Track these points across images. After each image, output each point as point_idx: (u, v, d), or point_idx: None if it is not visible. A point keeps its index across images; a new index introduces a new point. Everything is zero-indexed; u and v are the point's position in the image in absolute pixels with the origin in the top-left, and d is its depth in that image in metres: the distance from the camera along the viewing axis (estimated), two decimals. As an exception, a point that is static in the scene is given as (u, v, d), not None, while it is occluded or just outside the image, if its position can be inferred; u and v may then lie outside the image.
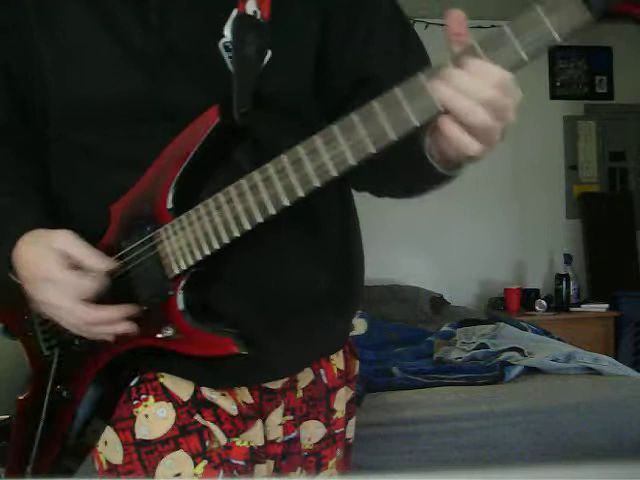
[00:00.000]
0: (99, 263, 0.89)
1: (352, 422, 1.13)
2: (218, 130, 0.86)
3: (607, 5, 0.68)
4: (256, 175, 0.83)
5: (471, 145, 0.75)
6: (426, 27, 4.08)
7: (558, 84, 4.54)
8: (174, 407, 0.93)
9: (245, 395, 0.98)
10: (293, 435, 1.03)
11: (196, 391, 0.95)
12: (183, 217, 0.88)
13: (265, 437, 1.00)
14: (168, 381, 0.94)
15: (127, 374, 0.95)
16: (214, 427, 0.94)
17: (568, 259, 4.15)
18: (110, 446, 0.94)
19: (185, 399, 0.94)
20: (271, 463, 1.01)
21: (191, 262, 0.87)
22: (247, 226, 0.84)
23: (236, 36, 0.90)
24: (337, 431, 1.09)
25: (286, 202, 0.82)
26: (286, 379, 1.02)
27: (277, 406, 1.01)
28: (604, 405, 2.24)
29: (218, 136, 0.86)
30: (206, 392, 0.95)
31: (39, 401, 0.96)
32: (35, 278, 0.90)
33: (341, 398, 1.09)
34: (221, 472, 0.93)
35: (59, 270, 0.88)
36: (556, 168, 4.50)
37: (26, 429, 0.99)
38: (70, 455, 0.97)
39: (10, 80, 0.98)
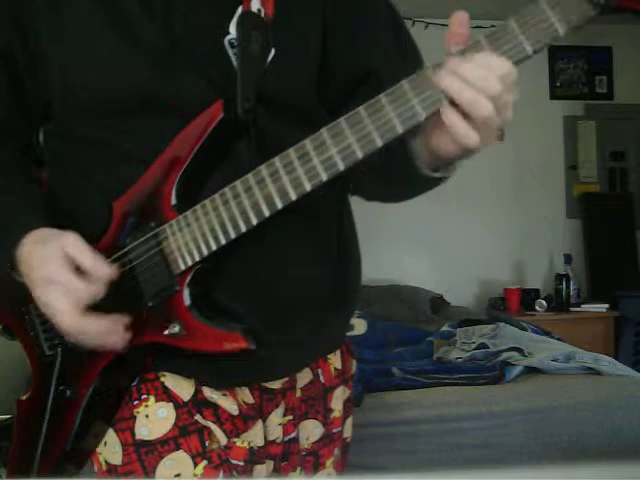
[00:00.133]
0: (104, 270, 0.88)
1: (349, 421, 1.13)
2: (222, 125, 0.86)
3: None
4: (263, 170, 0.83)
5: (472, 135, 0.76)
6: (426, 27, 4.09)
7: (558, 84, 4.54)
8: (174, 407, 0.93)
9: (246, 395, 0.98)
10: (293, 435, 1.04)
11: (197, 391, 0.95)
12: (189, 213, 0.87)
13: (265, 437, 1.00)
14: (169, 381, 0.94)
15: (131, 373, 0.94)
16: (214, 427, 0.94)
17: (568, 259, 4.15)
18: (109, 447, 0.94)
19: (186, 399, 0.94)
20: (270, 463, 1.01)
21: (197, 257, 0.87)
22: (254, 221, 0.84)
23: (241, 33, 0.90)
24: (335, 430, 1.09)
25: (293, 196, 0.82)
26: (286, 379, 1.02)
27: (277, 406, 1.01)
28: (604, 405, 2.24)
29: (222, 131, 0.86)
30: (207, 392, 0.95)
31: (42, 401, 0.95)
32: (39, 278, 0.89)
33: (338, 397, 1.09)
34: (221, 473, 0.93)
35: (64, 272, 0.87)
36: (556, 168, 4.50)
37: (29, 430, 0.98)
38: (71, 457, 0.96)
39: (14, 72, 0.97)
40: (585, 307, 4.09)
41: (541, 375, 2.42)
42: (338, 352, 1.10)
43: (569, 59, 4.54)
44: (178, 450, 0.92)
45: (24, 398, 1.00)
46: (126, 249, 0.91)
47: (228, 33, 0.91)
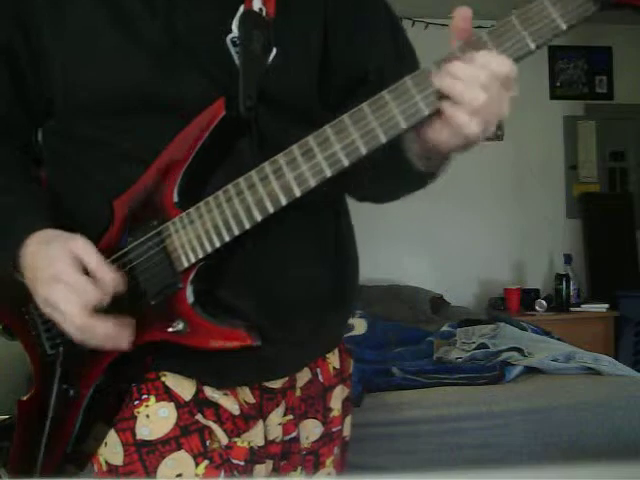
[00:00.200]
0: (111, 275, 0.87)
1: (348, 420, 1.13)
2: (224, 123, 0.86)
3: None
4: (267, 166, 0.84)
5: (472, 125, 0.76)
6: (426, 27, 4.09)
7: (558, 84, 4.54)
8: (175, 407, 0.93)
9: (246, 395, 0.98)
10: (294, 435, 1.04)
11: (198, 390, 0.95)
12: (192, 210, 0.87)
13: (265, 437, 1.00)
14: (170, 381, 0.94)
15: (132, 372, 0.94)
16: (215, 427, 0.94)
17: (568, 259, 4.15)
18: (110, 447, 0.94)
19: (187, 399, 0.94)
20: (270, 463, 1.01)
21: (201, 254, 0.87)
22: (258, 217, 0.84)
23: (243, 31, 0.91)
24: (334, 429, 1.09)
25: (297, 193, 0.83)
26: (286, 379, 1.02)
27: (277, 406, 1.01)
28: (604, 405, 2.24)
29: (224, 129, 0.86)
30: (208, 391, 0.95)
31: (44, 401, 0.95)
32: (46, 277, 0.88)
33: (337, 396, 1.09)
34: (222, 472, 0.93)
35: (73, 272, 0.86)
36: (556, 168, 4.50)
37: (30, 430, 0.97)
38: (73, 458, 0.96)
39: (16, 68, 0.97)
40: (585, 307, 4.09)
41: (541, 375, 2.42)
42: (336, 351, 1.10)
43: (569, 59, 4.54)
44: (179, 450, 0.92)
45: (25, 398, 0.99)
46: (128, 248, 0.90)
47: (230, 31, 0.92)
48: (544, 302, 4.06)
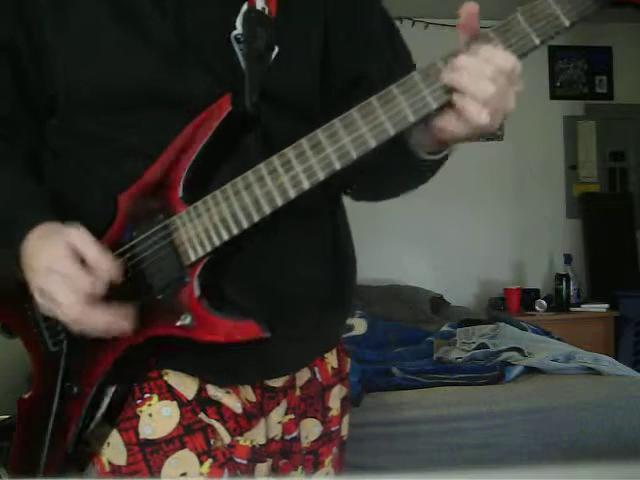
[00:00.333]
0: (108, 264, 0.87)
1: (346, 419, 1.14)
2: (230, 119, 0.86)
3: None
4: (275, 160, 0.84)
5: (483, 115, 0.78)
6: (426, 27, 4.09)
7: (558, 84, 4.54)
8: (178, 406, 0.93)
9: (248, 393, 0.98)
10: (295, 434, 1.04)
11: (200, 389, 0.94)
12: (199, 203, 0.87)
13: (266, 435, 1.00)
14: (173, 379, 0.94)
15: (139, 369, 0.93)
16: (218, 425, 0.94)
17: (568, 259, 4.15)
18: (113, 447, 0.93)
19: (190, 397, 0.94)
20: (269, 461, 1.01)
21: (209, 248, 0.87)
22: (267, 210, 0.84)
23: (247, 28, 0.92)
24: (333, 429, 1.09)
25: (306, 185, 0.83)
26: (287, 377, 1.02)
27: (278, 404, 1.01)
28: (604, 405, 2.24)
29: (229, 125, 0.87)
30: (211, 390, 0.95)
31: (45, 399, 0.94)
32: (42, 267, 0.88)
33: (335, 396, 1.10)
34: (226, 471, 0.93)
35: (70, 263, 0.86)
36: (556, 168, 4.51)
37: (31, 429, 0.97)
38: (75, 458, 0.95)
39: (18, 64, 0.97)
40: (585, 307, 4.09)
41: (541, 375, 2.42)
42: (334, 351, 1.10)
43: (569, 59, 4.54)
44: (183, 449, 0.92)
45: (26, 397, 0.99)
46: (133, 242, 0.90)
47: (234, 28, 0.92)
48: (544, 302, 4.06)
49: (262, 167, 0.84)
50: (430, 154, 0.89)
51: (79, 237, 0.87)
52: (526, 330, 2.94)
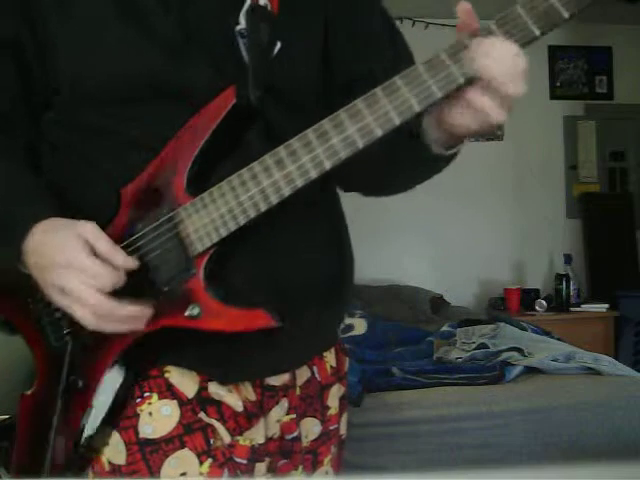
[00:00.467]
0: (122, 259, 0.87)
1: (344, 418, 1.14)
2: (234, 112, 0.87)
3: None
4: (281, 150, 0.85)
5: (501, 112, 0.80)
6: (426, 27, 4.09)
7: (558, 84, 4.54)
8: (179, 405, 0.93)
9: (249, 392, 0.98)
10: (296, 434, 1.04)
11: (201, 388, 0.94)
12: (205, 195, 0.87)
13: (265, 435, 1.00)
14: (174, 377, 0.93)
15: (145, 363, 0.93)
16: (218, 425, 0.94)
17: (568, 259, 4.15)
18: (112, 446, 0.93)
19: (190, 396, 0.93)
20: (268, 460, 1.01)
21: (216, 239, 0.87)
22: (274, 200, 0.85)
23: (250, 23, 0.92)
24: (331, 428, 1.09)
25: (313, 174, 0.84)
26: (288, 377, 1.02)
27: (277, 403, 1.01)
28: (604, 405, 2.24)
29: (233, 118, 0.87)
30: (212, 388, 0.95)
31: (51, 394, 0.93)
32: (57, 264, 0.86)
33: (334, 395, 1.10)
34: (226, 471, 0.93)
35: (85, 257, 0.85)
36: (556, 168, 4.51)
37: (35, 426, 0.96)
38: (80, 455, 0.94)
39: (23, 61, 0.96)
40: (585, 307, 4.09)
41: (541, 375, 2.42)
42: (333, 350, 1.11)
43: (569, 59, 4.54)
44: (183, 448, 0.91)
45: (29, 393, 0.98)
46: (138, 235, 0.90)
47: (238, 23, 0.93)
48: (544, 302, 4.06)
49: (267, 158, 0.85)
50: (446, 148, 0.90)
51: (91, 231, 0.87)
52: (526, 330, 2.94)
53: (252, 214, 0.86)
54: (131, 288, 0.88)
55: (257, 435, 0.98)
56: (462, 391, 2.30)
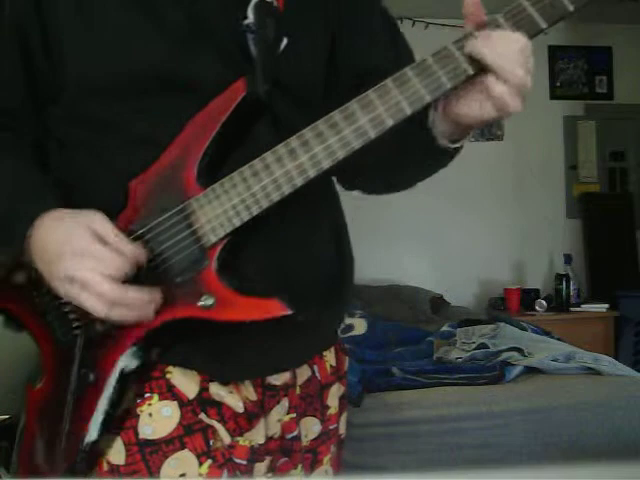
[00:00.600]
0: (129, 246, 0.86)
1: (344, 417, 1.14)
2: (243, 104, 0.87)
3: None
4: (294, 140, 0.85)
5: (517, 101, 0.82)
6: (426, 27, 4.09)
7: (558, 84, 4.54)
8: (179, 406, 0.92)
9: (249, 392, 0.98)
10: (295, 433, 1.04)
11: (202, 389, 0.94)
12: (216, 186, 0.87)
13: (265, 434, 1.00)
14: (176, 378, 0.93)
15: (155, 355, 0.92)
16: (219, 426, 0.94)
17: (568, 259, 4.15)
18: (112, 446, 0.92)
19: (190, 397, 0.93)
20: (268, 460, 1.01)
21: (229, 229, 0.87)
22: (287, 190, 0.86)
23: (258, 17, 0.93)
24: (331, 427, 1.09)
25: (326, 165, 0.85)
26: (288, 376, 1.02)
27: (278, 402, 1.01)
28: (604, 405, 2.24)
29: (242, 110, 0.87)
30: (214, 389, 0.95)
31: (60, 389, 0.92)
32: (64, 254, 0.85)
33: (334, 394, 1.10)
34: (225, 472, 0.93)
35: (94, 244, 0.84)
36: (556, 168, 4.51)
37: (45, 420, 0.95)
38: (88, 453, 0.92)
39: (27, 49, 0.96)
40: (585, 307, 4.09)
41: (541, 375, 2.42)
42: (332, 349, 1.11)
43: (569, 59, 4.54)
44: (183, 449, 0.91)
45: (37, 388, 0.96)
46: (149, 226, 0.89)
47: (246, 17, 0.94)
48: (544, 302, 4.06)
49: (280, 148, 0.86)
50: (451, 142, 0.91)
51: (99, 221, 0.86)
52: (526, 330, 2.94)
53: (265, 204, 0.86)
54: (142, 280, 0.87)
55: (257, 436, 0.98)
56: (462, 391, 2.30)
